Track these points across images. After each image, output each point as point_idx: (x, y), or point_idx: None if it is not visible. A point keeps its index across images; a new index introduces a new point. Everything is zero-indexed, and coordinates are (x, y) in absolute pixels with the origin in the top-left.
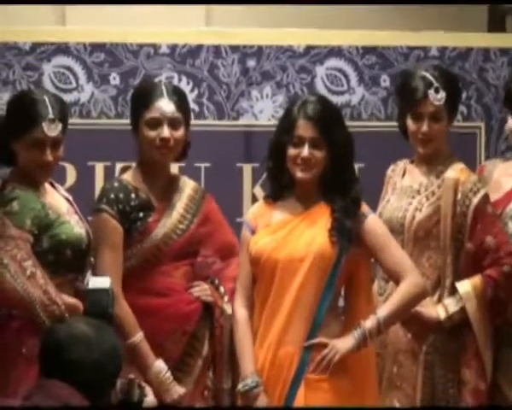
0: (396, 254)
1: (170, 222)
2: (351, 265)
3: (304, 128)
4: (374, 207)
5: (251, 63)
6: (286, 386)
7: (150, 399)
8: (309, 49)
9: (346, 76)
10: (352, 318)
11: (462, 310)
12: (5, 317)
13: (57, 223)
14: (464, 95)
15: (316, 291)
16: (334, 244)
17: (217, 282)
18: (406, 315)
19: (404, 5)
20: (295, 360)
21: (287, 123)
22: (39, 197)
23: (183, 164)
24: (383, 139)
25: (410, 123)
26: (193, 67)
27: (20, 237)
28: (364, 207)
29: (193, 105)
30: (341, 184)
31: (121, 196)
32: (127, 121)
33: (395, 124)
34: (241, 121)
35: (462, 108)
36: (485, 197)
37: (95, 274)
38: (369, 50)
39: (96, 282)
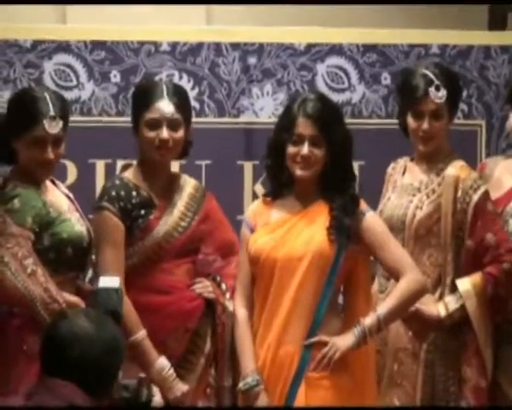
0: (395, 251)
1: (171, 220)
2: (350, 263)
3: (303, 126)
4: (374, 205)
5: (252, 61)
6: (286, 385)
7: (157, 399)
8: (310, 46)
9: (346, 74)
10: (351, 315)
11: (463, 308)
12: (6, 314)
13: (58, 221)
14: (465, 93)
15: (315, 290)
16: (333, 243)
17: (218, 279)
18: (406, 312)
19: (405, 4)
20: (296, 358)
21: (286, 121)
22: (40, 195)
23: (183, 162)
24: (384, 137)
25: (410, 121)
26: (193, 65)
27: (21, 235)
28: (363, 205)
29: (194, 103)
30: (340, 182)
31: (122, 193)
32: (128, 119)
33: (396, 122)
34: (242, 119)
35: (462, 105)
36: (486, 194)
37: (96, 272)
38: (369, 48)
39: (105, 281)
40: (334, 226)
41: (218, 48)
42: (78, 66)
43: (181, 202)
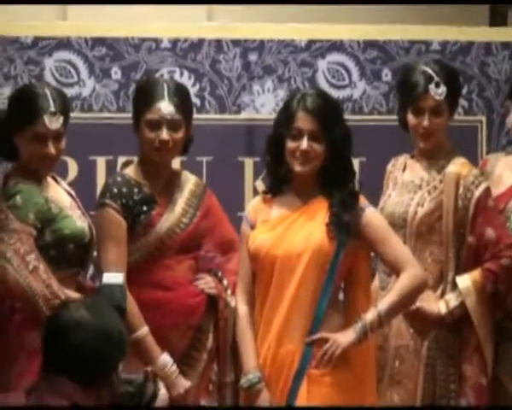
0: (396, 246)
1: (173, 217)
2: (350, 259)
3: (303, 121)
4: (375, 202)
5: (252, 57)
6: (288, 382)
7: (163, 392)
8: (310, 43)
9: (347, 70)
10: (352, 312)
11: (462, 305)
12: (7, 310)
13: (60, 217)
14: (465, 89)
15: (315, 287)
16: (332, 239)
17: (220, 274)
18: (407, 308)
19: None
20: (297, 356)
21: (286, 116)
22: (42, 191)
23: (184, 158)
24: (385, 133)
25: (410, 117)
26: (194, 62)
27: (23, 231)
28: (362, 201)
29: (194, 99)
30: (339, 177)
31: (124, 190)
32: (129, 115)
33: (396, 118)
34: (243, 115)
35: (463, 102)
36: (487, 191)
37: (98, 269)
38: (370, 44)
39: (108, 277)
40: (334, 223)
41: (218, 44)
42: (79, 62)
43: (182, 199)
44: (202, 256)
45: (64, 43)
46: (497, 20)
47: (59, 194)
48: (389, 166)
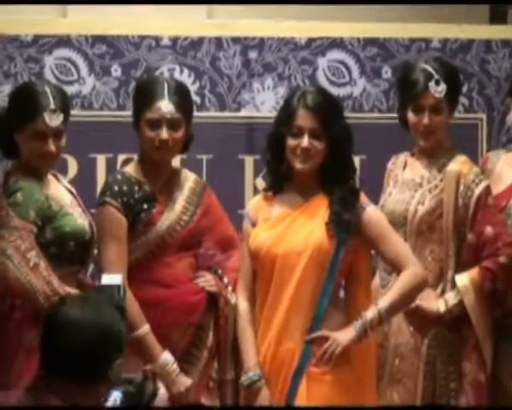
0: (396, 244)
1: (173, 214)
2: (350, 256)
3: (303, 118)
4: (375, 199)
5: (252, 55)
6: (288, 379)
7: (162, 391)
8: (311, 41)
9: (347, 68)
10: (352, 309)
11: (461, 303)
12: (8, 307)
13: (60, 214)
14: (466, 86)
15: (315, 285)
16: (332, 238)
17: (220, 272)
18: (407, 305)
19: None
20: (297, 354)
21: (286, 114)
22: (42, 188)
23: (184, 156)
24: (385, 131)
25: (410, 115)
26: (194, 59)
27: (23, 228)
28: (363, 199)
29: (194, 97)
30: (340, 175)
31: (125, 188)
32: (129, 113)
33: (397, 116)
34: (243, 113)
35: (463, 99)
36: (487, 189)
37: (98, 267)
38: (370, 42)
39: (107, 279)
40: (334, 221)
41: (218, 42)
42: (79, 60)
43: (182, 197)
44: (202, 254)
45: (64, 41)
46: (497, 18)
47: (59, 191)
48: (389, 164)
